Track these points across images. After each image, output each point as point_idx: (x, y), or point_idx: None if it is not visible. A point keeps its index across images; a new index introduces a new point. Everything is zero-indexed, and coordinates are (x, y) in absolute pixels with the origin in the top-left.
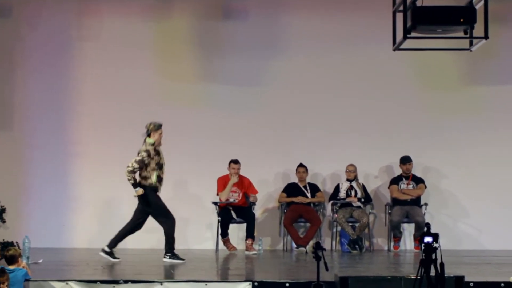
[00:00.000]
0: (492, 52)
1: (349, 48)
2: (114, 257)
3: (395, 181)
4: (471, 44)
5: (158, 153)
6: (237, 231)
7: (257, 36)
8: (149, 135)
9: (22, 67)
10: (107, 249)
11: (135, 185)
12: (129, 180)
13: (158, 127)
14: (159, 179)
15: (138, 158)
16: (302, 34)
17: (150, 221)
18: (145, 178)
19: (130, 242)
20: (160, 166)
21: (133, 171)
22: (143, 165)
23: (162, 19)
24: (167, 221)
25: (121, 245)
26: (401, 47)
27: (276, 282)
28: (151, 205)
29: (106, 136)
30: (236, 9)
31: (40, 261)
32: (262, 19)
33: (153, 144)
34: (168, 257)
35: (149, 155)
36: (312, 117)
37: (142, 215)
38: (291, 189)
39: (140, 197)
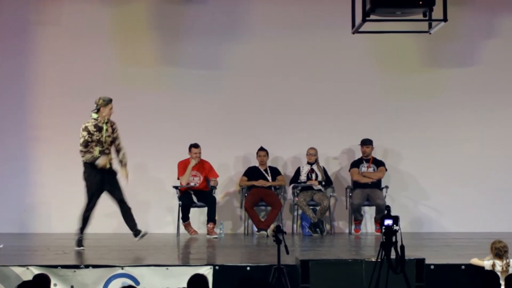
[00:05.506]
0: (451, 35)
1: (309, 31)
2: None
3: (356, 164)
4: (430, 26)
5: (100, 129)
6: (198, 215)
7: (217, 20)
8: (98, 110)
9: None
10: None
11: (95, 159)
12: (84, 160)
13: (108, 101)
14: (102, 153)
15: (81, 139)
16: (262, 18)
17: (111, 206)
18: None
19: (90, 226)
20: (100, 143)
21: (83, 152)
22: (88, 143)
23: (121, 2)
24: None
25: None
26: (361, 30)
27: (237, 266)
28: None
29: (67, 120)
30: None
31: (1, 246)
32: (222, 3)
33: (96, 119)
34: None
35: (89, 133)
36: (273, 100)
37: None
38: (251, 173)
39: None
